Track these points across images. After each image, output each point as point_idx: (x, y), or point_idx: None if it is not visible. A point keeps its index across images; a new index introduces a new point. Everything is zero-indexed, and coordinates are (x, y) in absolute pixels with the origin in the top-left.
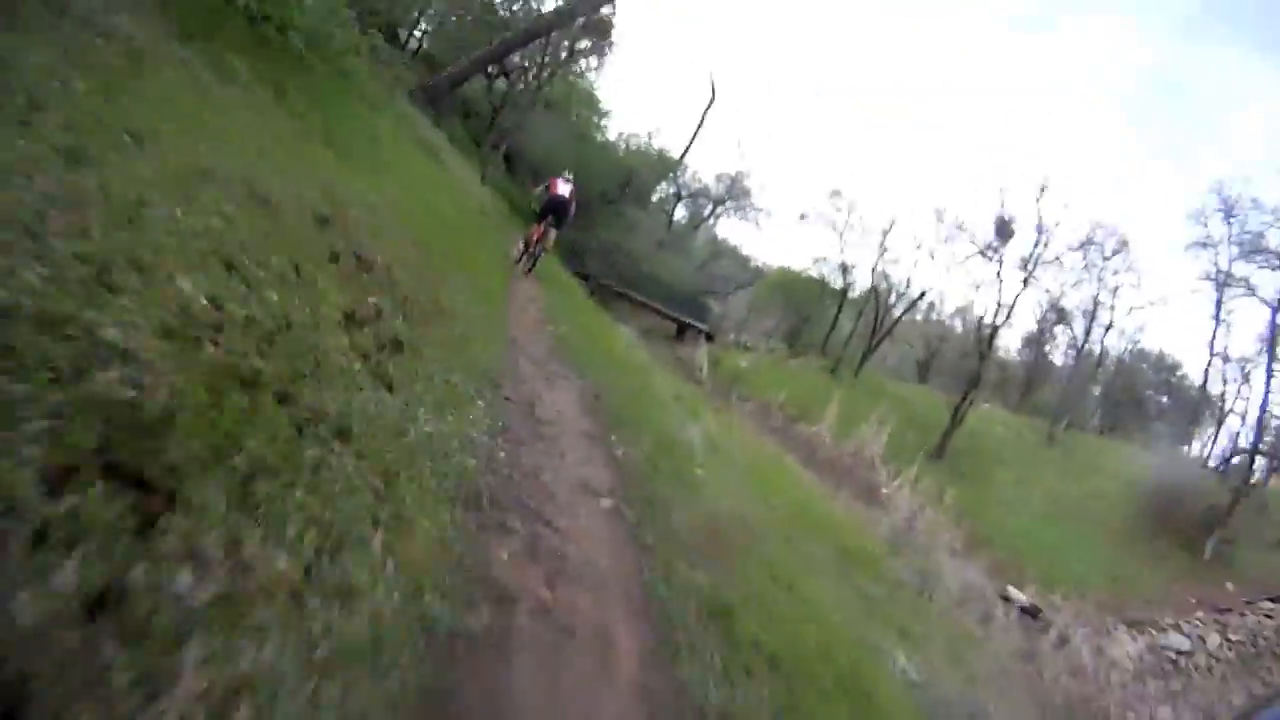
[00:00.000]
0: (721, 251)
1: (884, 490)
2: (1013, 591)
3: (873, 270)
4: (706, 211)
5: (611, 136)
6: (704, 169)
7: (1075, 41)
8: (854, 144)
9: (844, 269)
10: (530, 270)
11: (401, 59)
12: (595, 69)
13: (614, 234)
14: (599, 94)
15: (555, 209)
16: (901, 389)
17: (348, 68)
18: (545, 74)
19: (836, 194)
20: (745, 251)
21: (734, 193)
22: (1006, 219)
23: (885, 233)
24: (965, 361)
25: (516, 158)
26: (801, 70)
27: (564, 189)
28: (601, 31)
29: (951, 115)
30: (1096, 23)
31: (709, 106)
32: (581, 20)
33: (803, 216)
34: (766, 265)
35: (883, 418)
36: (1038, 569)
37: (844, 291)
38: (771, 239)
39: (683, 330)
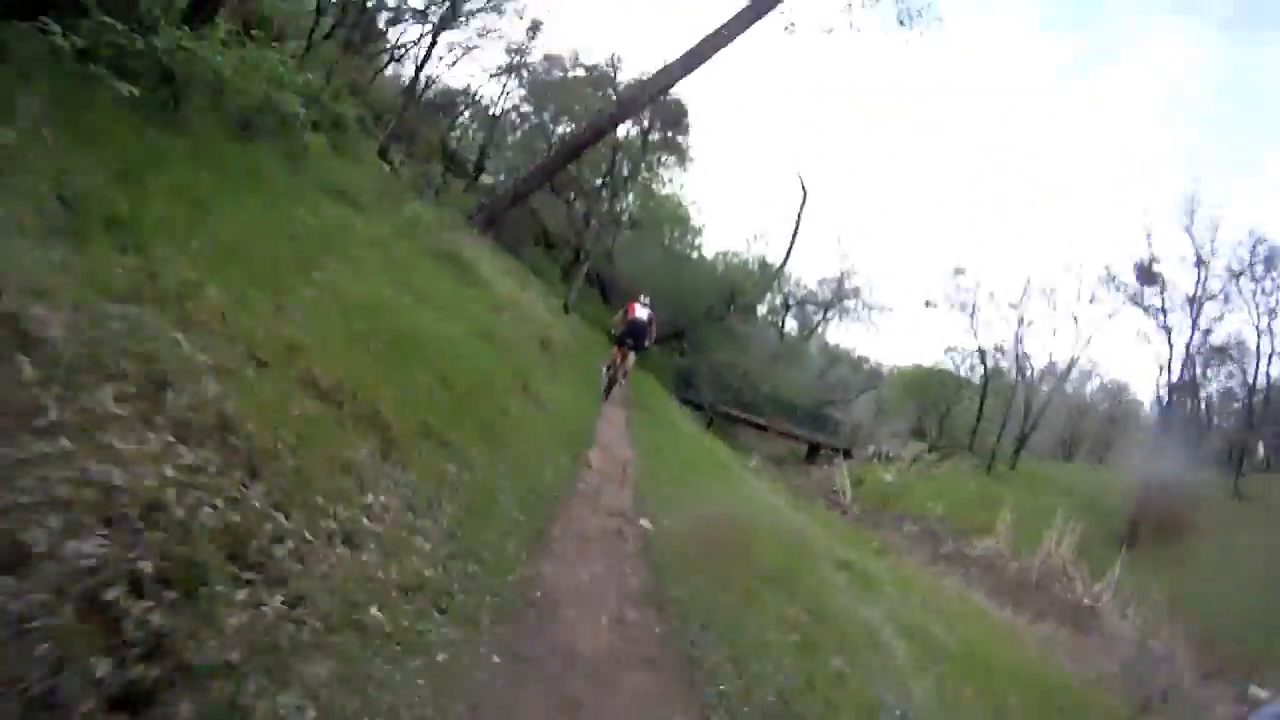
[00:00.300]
0: (837, 358)
1: (1086, 601)
2: (1256, 692)
3: (1016, 351)
4: (816, 319)
5: (708, 253)
6: (807, 273)
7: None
8: (969, 216)
9: (982, 355)
10: (607, 396)
11: (460, 184)
12: (676, 171)
13: (725, 353)
14: (686, 205)
15: (633, 333)
16: (1062, 474)
17: (295, 149)
18: (623, 179)
19: (960, 272)
20: (860, 354)
21: (840, 294)
22: (1148, 263)
23: (1016, 305)
24: (1114, 430)
25: (610, 285)
26: (892, 150)
27: (641, 312)
28: (674, 120)
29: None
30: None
31: (802, 206)
32: (648, 114)
33: (928, 304)
34: (886, 365)
35: (1059, 515)
36: (1270, 651)
37: (985, 380)
38: (891, 336)
39: (815, 450)
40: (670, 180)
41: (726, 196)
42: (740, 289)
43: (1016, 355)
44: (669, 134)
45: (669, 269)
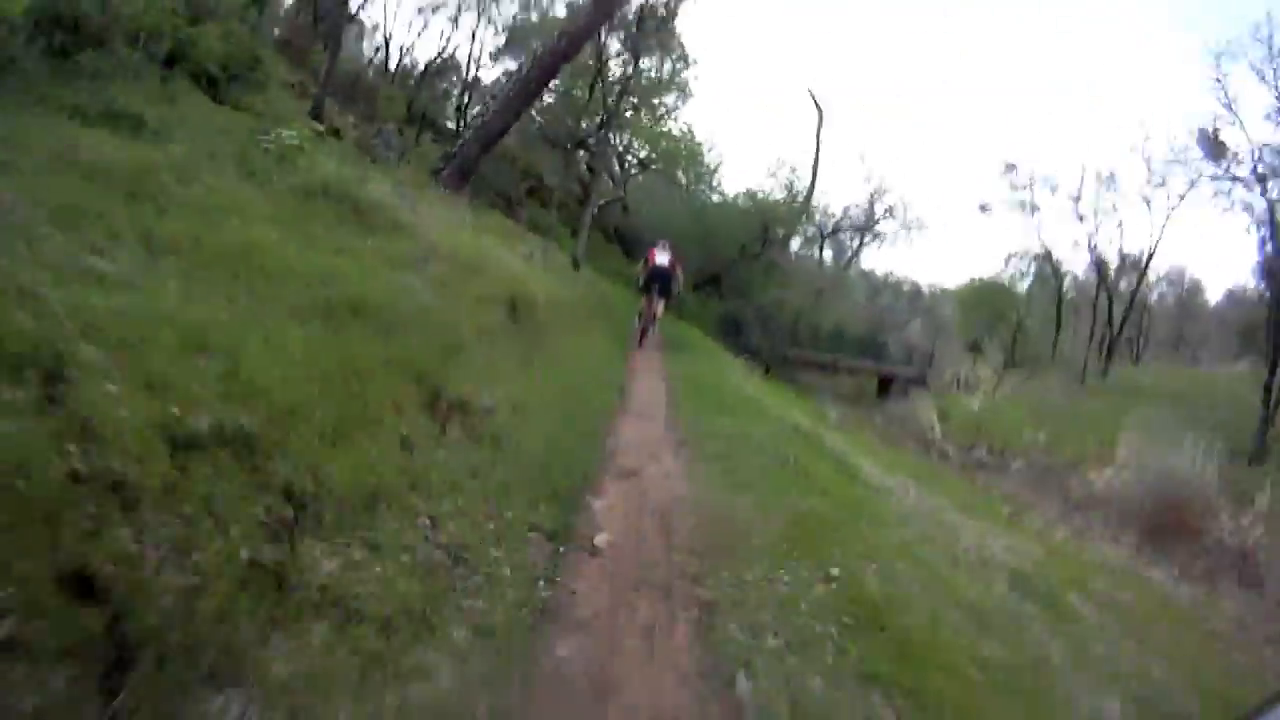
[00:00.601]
0: (878, 287)
1: (1242, 542)
2: None
3: (1091, 246)
4: (852, 246)
5: (730, 192)
6: (837, 200)
7: None
8: (1015, 105)
9: (1049, 258)
10: (642, 342)
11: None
12: (679, 90)
13: (769, 292)
14: (695, 139)
15: (657, 278)
16: (1157, 378)
17: None
18: (616, 96)
19: (1012, 168)
20: (902, 277)
21: (872, 218)
22: (1213, 130)
23: (1077, 198)
24: (1184, 327)
25: (630, 238)
26: (914, 45)
27: (662, 257)
28: (666, 18)
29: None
30: None
31: (820, 126)
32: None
33: (983, 208)
34: (930, 287)
35: (1183, 431)
36: None
37: (1059, 284)
38: (941, 254)
39: (887, 384)
40: (674, 98)
41: (740, 134)
42: (773, 220)
43: (1092, 250)
44: (661, 25)
45: (692, 211)
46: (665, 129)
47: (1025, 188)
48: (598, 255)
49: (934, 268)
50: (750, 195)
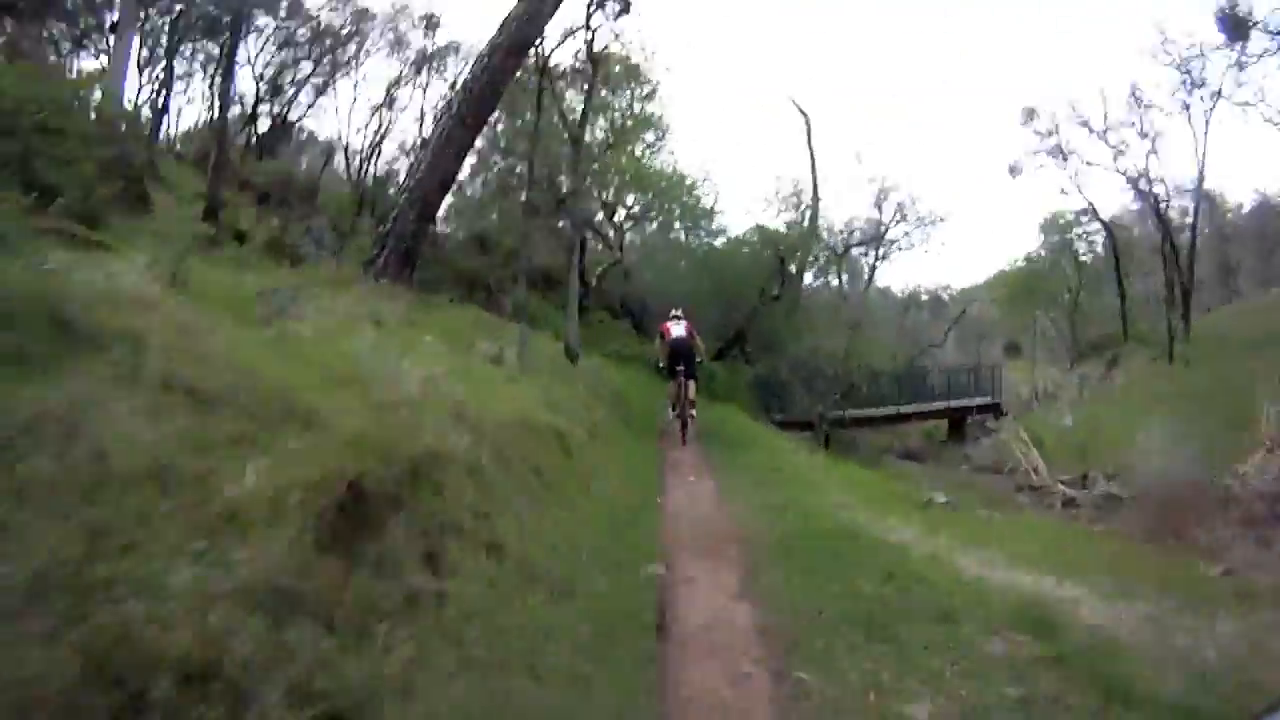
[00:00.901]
0: (905, 305)
1: None
2: None
3: (1135, 181)
4: (868, 262)
5: (735, 229)
6: (842, 213)
7: None
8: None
9: (1094, 212)
10: (684, 438)
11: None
12: (654, 126)
13: (802, 342)
14: (688, 177)
15: (678, 353)
16: (1243, 320)
17: None
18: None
19: (1032, 115)
20: (918, 285)
21: (883, 223)
22: (1231, 6)
23: (1106, 129)
24: (1229, 252)
25: (640, 309)
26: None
27: (678, 329)
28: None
29: None
30: None
31: (809, 134)
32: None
33: (1013, 170)
34: (951, 290)
35: None
36: None
37: (1112, 242)
38: (964, 248)
39: (959, 422)
40: (652, 135)
41: (732, 159)
42: (787, 250)
43: (1143, 184)
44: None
45: (698, 261)
46: (651, 168)
47: (1051, 133)
48: (604, 338)
49: (960, 266)
50: (758, 229)
